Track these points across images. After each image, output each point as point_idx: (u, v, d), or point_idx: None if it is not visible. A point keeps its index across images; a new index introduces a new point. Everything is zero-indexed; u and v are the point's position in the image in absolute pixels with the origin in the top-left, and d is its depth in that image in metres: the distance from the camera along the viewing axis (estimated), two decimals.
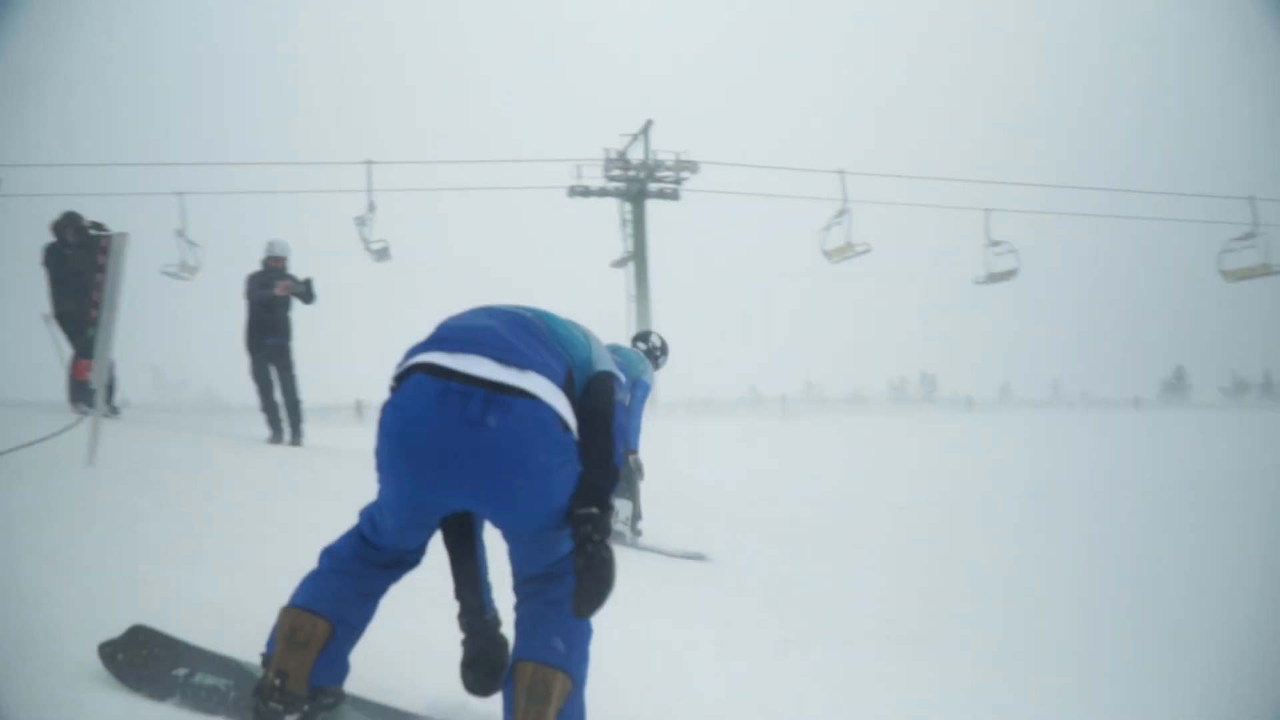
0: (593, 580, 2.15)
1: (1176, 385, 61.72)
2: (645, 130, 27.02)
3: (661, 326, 28.54)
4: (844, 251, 20.27)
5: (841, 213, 19.89)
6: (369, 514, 2.36)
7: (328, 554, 2.37)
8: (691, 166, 26.97)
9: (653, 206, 28.04)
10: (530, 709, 2.19)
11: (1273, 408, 28.06)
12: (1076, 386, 58.48)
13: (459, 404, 2.09)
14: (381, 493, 2.27)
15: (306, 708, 2.21)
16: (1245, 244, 20.00)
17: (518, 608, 2.38)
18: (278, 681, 2.18)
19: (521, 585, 2.37)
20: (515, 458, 2.12)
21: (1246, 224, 20.00)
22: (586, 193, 27.11)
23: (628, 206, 27.71)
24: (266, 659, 2.24)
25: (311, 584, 2.31)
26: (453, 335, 2.24)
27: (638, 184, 27.34)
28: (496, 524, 2.31)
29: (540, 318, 2.40)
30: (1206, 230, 21.22)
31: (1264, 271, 20.04)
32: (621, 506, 6.78)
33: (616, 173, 27.19)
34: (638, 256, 28.15)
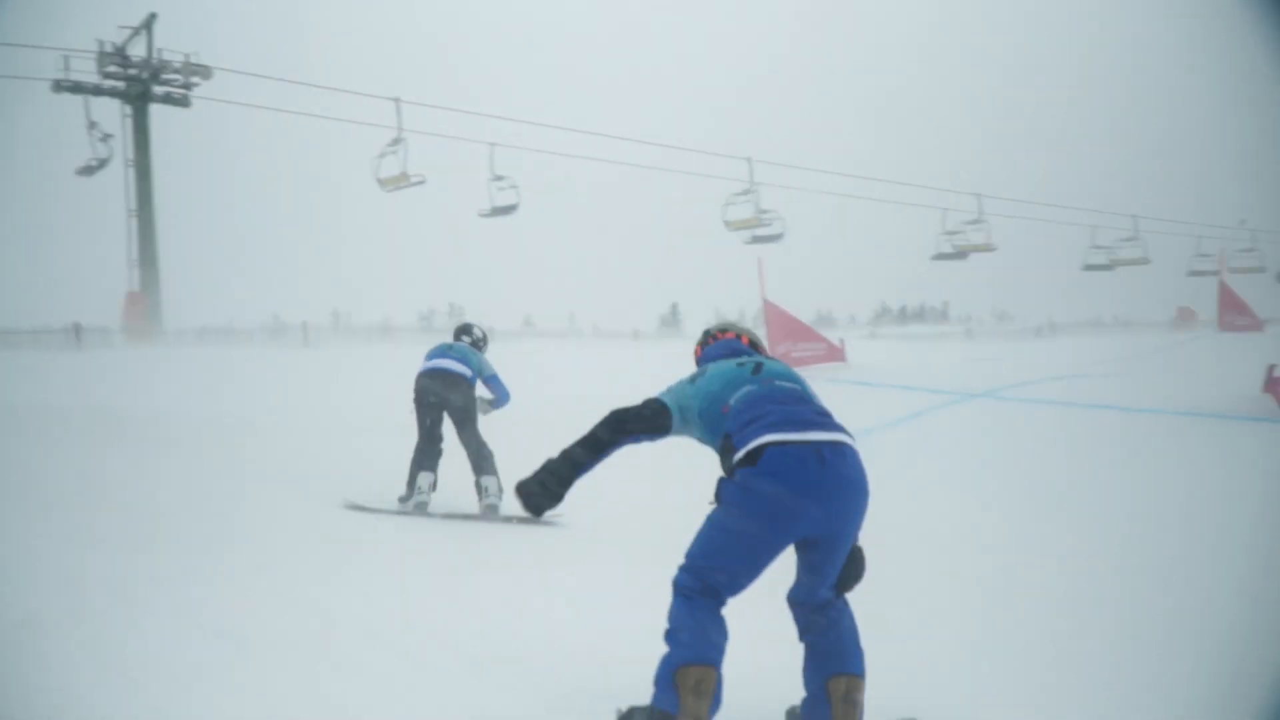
0: (860, 572, 3.23)
1: (671, 320, 69.44)
2: (148, 24, 24.02)
3: (167, 243, 25.99)
4: (398, 181, 19.88)
5: (396, 141, 19.47)
6: (705, 579, 2.93)
7: (690, 617, 2.90)
8: (203, 72, 24.47)
9: (162, 114, 25.18)
10: (849, 713, 2.94)
11: None
12: (589, 319, 63.38)
13: (818, 459, 2.92)
14: (738, 551, 2.94)
15: None
16: (744, 199, 23.74)
17: (812, 632, 3.11)
18: None
19: (816, 612, 3.12)
20: (861, 487, 3.02)
21: (744, 181, 23.58)
22: (77, 89, 23.47)
23: (124, 110, 24.52)
24: (664, 713, 2.79)
25: (698, 643, 2.86)
26: (786, 419, 3.02)
27: (139, 85, 24.30)
28: (831, 544, 3.03)
29: (802, 385, 3.31)
30: (713, 184, 24.29)
31: (753, 223, 23.93)
32: (489, 482, 6.97)
33: (114, 69, 23.91)
34: (139, 166, 25.09)
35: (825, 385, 13.07)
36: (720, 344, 3.73)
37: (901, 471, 7.82)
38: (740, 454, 2.98)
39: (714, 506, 3.05)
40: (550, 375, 19.00)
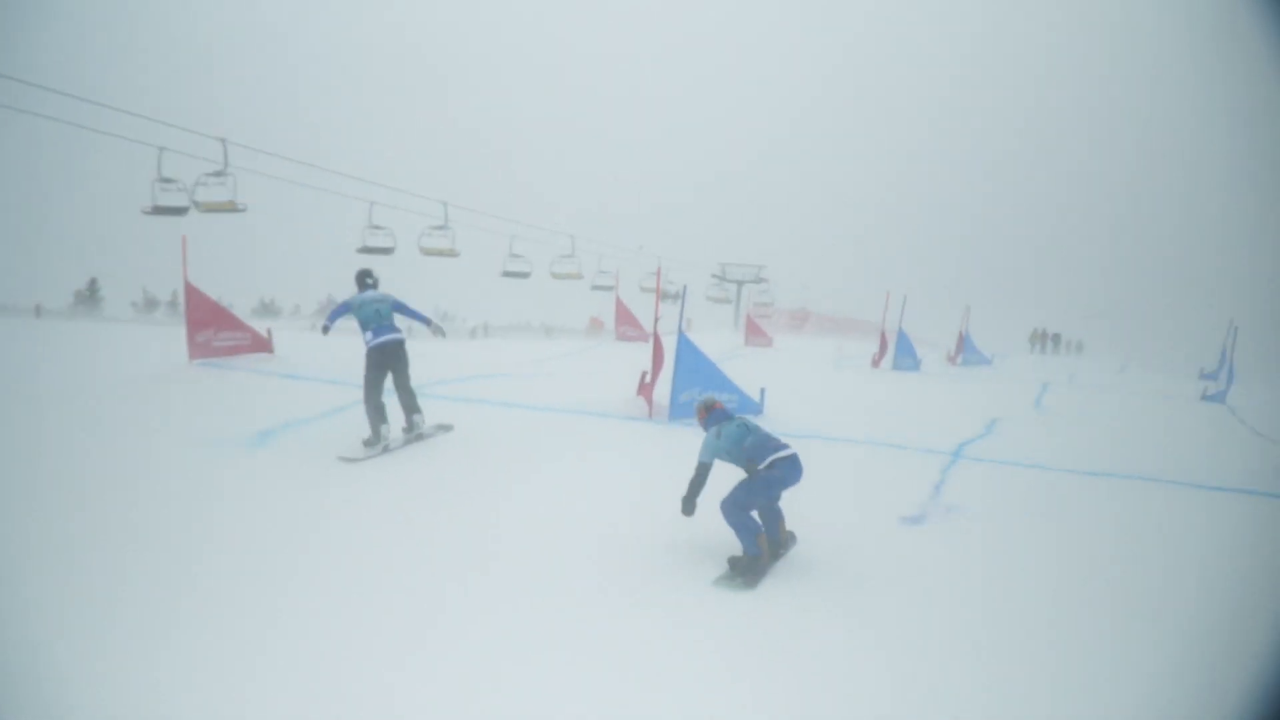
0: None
1: (89, 297, 61.98)
2: None
3: None
4: None
5: None
6: (744, 506, 6.97)
7: (746, 517, 6.96)
8: None
9: None
10: (789, 537, 7.41)
11: (175, 324, 30.29)
12: None
13: (792, 462, 7.09)
14: (762, 495, 7.10)
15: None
16: (217, 180, 22.63)
17: (767, 516, 7.21)
18: (770, 556, 7.16)
19: (770, 509, 7.25)
20: (801, 468, 7.13)
21: (219, 164, 22.25)
22: None
23: None
24: (755, 556, 6.91)
25: (754, 525, 6.97)
26: (776, 447, 7.14)
27: None
28: (785, 491, 7.18)
29: (765, 429, 7.37)
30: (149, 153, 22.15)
31: (230, 207, 22.86)
32: (418, 418, 10.01)
33: None
34: None
35: (249, 376, 12.85)
36: (717, 412, 7.39)
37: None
38: (763, 465, 6.96)
39: (747, 479, 7.00)
40: None
